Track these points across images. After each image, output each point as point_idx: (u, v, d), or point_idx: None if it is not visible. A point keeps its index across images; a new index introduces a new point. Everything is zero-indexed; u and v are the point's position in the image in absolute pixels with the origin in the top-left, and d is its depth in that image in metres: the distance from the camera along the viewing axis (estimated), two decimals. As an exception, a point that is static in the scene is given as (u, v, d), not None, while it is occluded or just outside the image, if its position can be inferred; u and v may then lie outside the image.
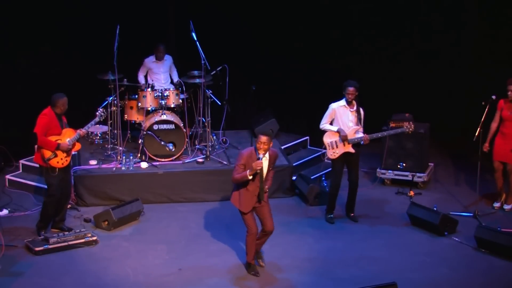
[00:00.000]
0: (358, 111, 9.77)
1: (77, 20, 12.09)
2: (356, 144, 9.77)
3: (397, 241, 9.48)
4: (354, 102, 9.74)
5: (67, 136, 9.29)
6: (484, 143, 10.10)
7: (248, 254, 8.56)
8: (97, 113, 9.63)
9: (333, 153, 9.83)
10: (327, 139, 9.86)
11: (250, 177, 8.17)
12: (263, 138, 8.10)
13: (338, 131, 9.73)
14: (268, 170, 8.36)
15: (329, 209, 10.13)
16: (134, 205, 10.05)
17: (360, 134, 9.76)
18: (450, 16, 12.88)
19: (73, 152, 9.55)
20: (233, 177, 8.27)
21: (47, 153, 9.17)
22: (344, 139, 9.71)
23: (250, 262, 8.57)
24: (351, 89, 9.64)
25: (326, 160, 11.58)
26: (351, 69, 12.75)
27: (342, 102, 9.75)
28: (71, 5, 12.04)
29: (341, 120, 9.77)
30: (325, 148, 9.98)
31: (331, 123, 9.85)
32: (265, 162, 8.24)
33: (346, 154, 9.80)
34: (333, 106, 9.79)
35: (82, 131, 9.37)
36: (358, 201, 10.24)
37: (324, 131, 9.87)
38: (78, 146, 9.48)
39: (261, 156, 8.12)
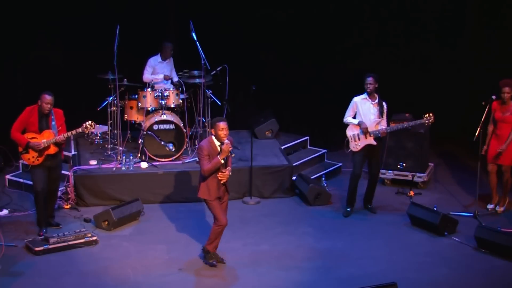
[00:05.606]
0: (380, 104, 9.81)
1: (77, 20, 12.08)
2: (377, 137, 9.81)
3: (397, 241, 9.47)
4: (375, 94, 9.81)
5: (45, 138, 9.20)
6: (483, 146, 10.06)
7: (211, 242, 8.63)
8: (84, 124, 9.28)
9: (355, 146, 9.92)
10: (349, 132, 9.96)
11: (223, 161, 8.33)
12: (223, 124, 8.30)
13: (359, 124, 9.80)
14: (228, 156, 8.51)
15: (348, 202, 10.25)
16: (134, 205, 10.05)
17: (382, 126, 9.79)
18: (450, 16, 12.88)
19: (49, 154, 9.23)
20: (204, 170, 8.35)
21: (20, 148, 9.24)
22: (365, 131, 9.78)
23: (210, 250, 8.67)
24: (369, 79, 9.72)
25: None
26: (351, 69, 12.75)
27: (364, 95, 9.84)
28: (71, 4, 12.02)
29: (363, 112, 9.85)
30: (347, 141, 10.01)
31: (354, 117, 9.92)
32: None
33: (368, 147, 9.87)
34: (355, 99, 9.90)
35: (59, 137, 9.18)
36: (358, 201, 10.30)
37: (347, 125, 9.97)
38: (53, 149, 9.24)
39: (226, 140, 8.31)
